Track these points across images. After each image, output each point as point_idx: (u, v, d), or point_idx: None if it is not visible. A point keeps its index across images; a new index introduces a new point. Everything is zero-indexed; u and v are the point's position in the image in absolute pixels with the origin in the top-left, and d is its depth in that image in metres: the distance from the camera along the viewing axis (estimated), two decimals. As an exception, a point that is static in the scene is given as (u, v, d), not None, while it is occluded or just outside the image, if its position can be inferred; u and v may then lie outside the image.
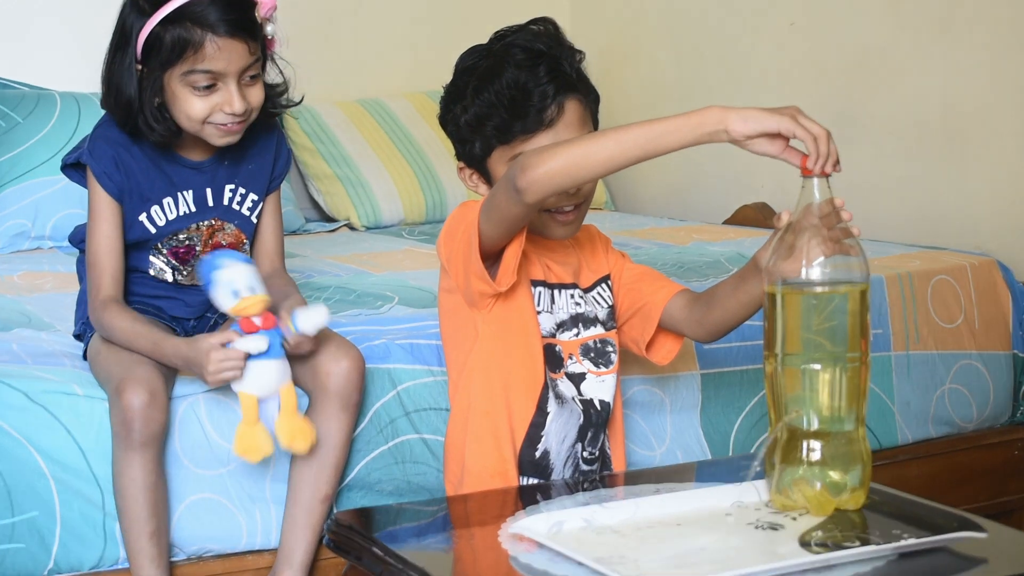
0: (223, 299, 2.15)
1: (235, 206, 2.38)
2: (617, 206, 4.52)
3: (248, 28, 2.23)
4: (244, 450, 2.16)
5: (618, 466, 2.24)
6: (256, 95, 2.28)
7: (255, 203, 2.40)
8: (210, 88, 2.23)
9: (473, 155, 2.14)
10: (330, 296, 2.80)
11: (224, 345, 2.12)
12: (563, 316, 2.16)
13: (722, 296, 2.09)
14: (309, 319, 2.15)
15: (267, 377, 2.15)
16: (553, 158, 1.86)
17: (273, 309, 2.18)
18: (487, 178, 2.14)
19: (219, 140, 2.29)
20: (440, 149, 4.11)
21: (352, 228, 4.05)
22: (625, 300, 2.23)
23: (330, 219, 4.12)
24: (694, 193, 4.29)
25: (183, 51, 2.20)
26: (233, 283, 2.15)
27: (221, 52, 2.20)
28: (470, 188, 2.19)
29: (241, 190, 2.38)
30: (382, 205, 4.05)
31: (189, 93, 2.23)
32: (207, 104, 2.24)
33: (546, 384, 2.12)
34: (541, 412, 2.12)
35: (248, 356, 2.13)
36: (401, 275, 3.04)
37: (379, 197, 4.05)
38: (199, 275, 2.21)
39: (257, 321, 2.14)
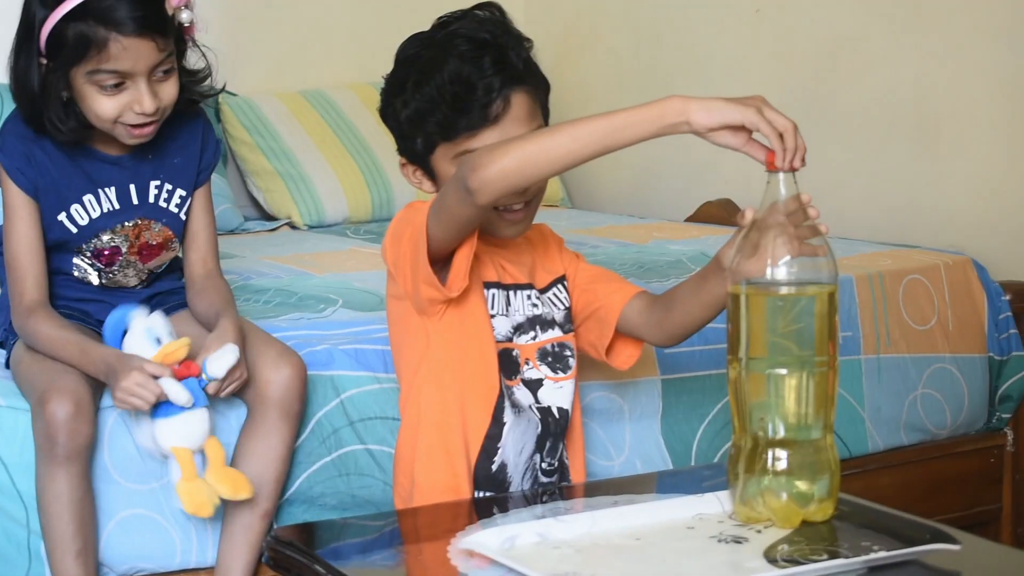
0: (143, 346, 2.16)
1: (162, 203, 2.37)
2: (573, 203, 4.52)
3: (156, 25, 2.20)
4: (197, 508, 2.16)
5: (577, 477, 2.23)
6: (169, 91, 2.26)
7: (183, 199, 2.39)
8: (118, 87, 2.21)
9: (415, 151, 2.13)
10: (269, 299, 2.79)
11: (157, 376, 2.12)
12: (520, 318, 2.16)
13: (682, 297, 2.09)
14: (217, 362, 2.16)
15: (199, 427, 2.17)
16: (505, 156, 1.85)
17: (195, 353, 2.20)
18: (431, 175, 2.14)
19: (131, 140, 2.27)
20: (387, 143, 4.05)
21: (293, 227, 4.03)
22: (580, 302, 2.22)
23: (270, 217, 4.10)
24: (654, 189, 4.29)
25: (86, 50, 2.17)
26: (154, 330, 2.18)
27: (127, 52, 2.18)
28: (414, 184, 2.18)
29: (168, 186, 2.37)
30: (325, 203, 4.04)
31: (96, 92, 2.21)
32: (116, 103, 2.22)
33: (501, 392, 2.12)
34: (497, 423, 2.12)
35: (165, 403, 2.13)
36: (345, 276, 3.03)
37: (322, 194, 4.04)
38: (105, 335, 2.22)
39: (187, 366, 2.17)
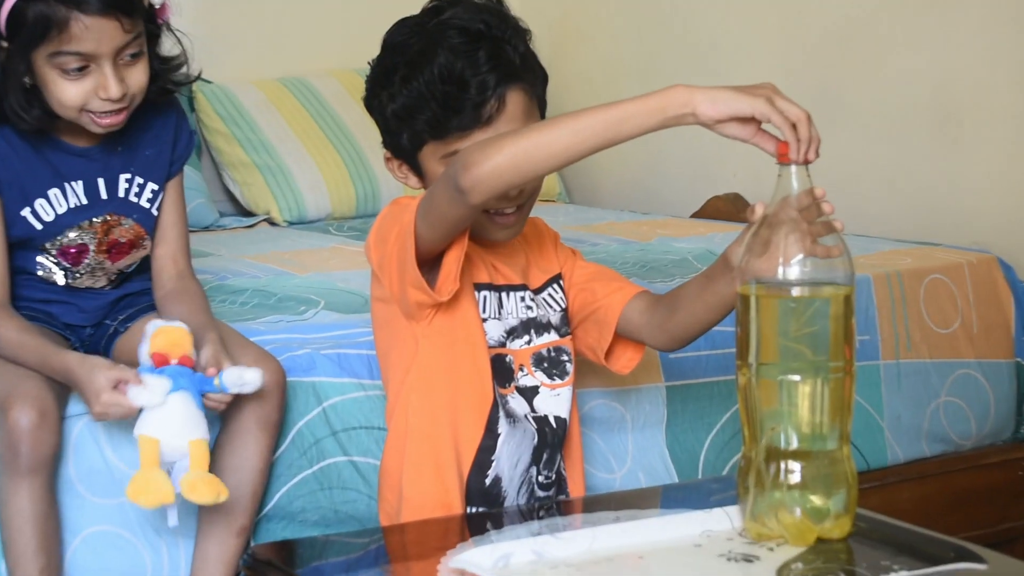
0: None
1: (132, 198, 2.36)
2: (572, 198, 4.52)
3: (122, 4, 2.19)
4: (136, 492, 2.09)
5: (576, 491, 2.23)
6: (137, 76, 2.25)
7: (155, 193, 2.38)
8: (82, 71, 2.20)
9: (401, 147, 2.13)
10: (247, 300, 2.78)
11: (123, 383, 2.10)
12: (513, 322, 2.15)
13: (687, 298, 2.09)
14: (235, 382, 2.14)
15: (172, 422, 2.11)
16: (499, 152, 1.84)
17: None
18: (418, 171, 2.13)
19: (98, 129, 2.26)
20: (372, 135, 4.01)
21: (272, 223, 4.03)
22: (577, 302, 2.22)
23: (247, 213, 4.10)
24: (658, 183, 4.29)
25: (46, 30, 2.17)
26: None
27: (90, 32, 2.17)
28: (399, 179, 2.18)
29: (138, 179, 2.36)
30: (307, 197, 4.03)
31: (59, 76, 2.21)
32: (80, 89, 2.21)
33: (495, 402, 2.11)
34: (491, 434, 2.11)
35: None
36: (328, 276, 3.03)
37: (303, 188, 4.04)
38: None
39: (173, 362, 2.13)
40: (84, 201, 2.33)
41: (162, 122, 2.39)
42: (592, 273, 2.24)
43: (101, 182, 2.34)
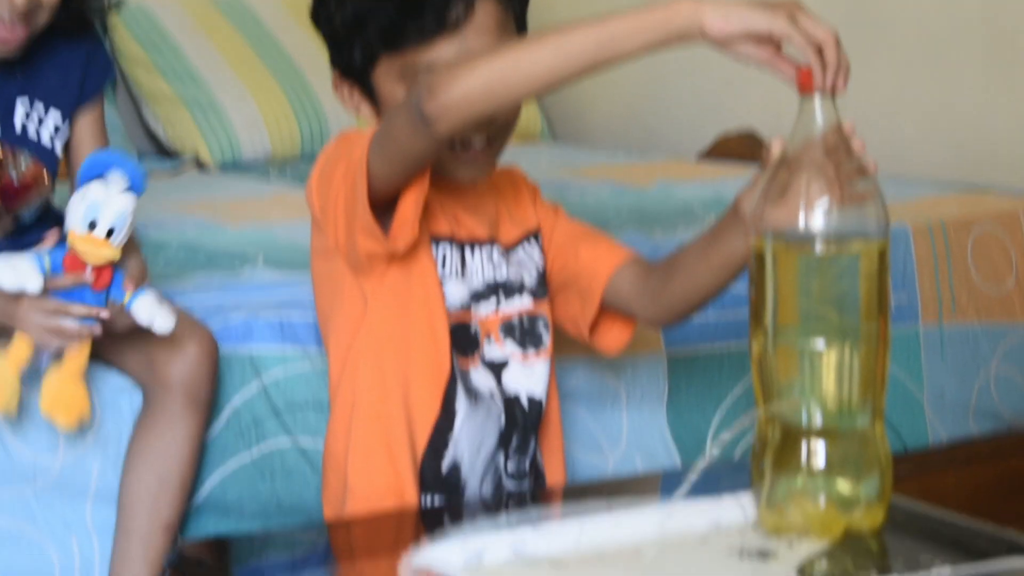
0: (74, 216, 2.14)
1: (31, 132, 2.35)
2: (555, 135, 4.52)
3: None
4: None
5: (554, 481, 2.24)
6: None
7: (58, 128, 2.37)
8: None
9: (352, 65, 2.13)
10: (171, 257, 2.78)
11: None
12: (478, 283, 2.15)
13: (689, 259, 2.09)
14: (146, 309, 2.16)
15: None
16: (472, 74, 1.85)
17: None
18: (371, 95, 2.14)
19: None
20: (320, 62, 4.06)
21: (201, 166, 4.03)
22: (556, 265, 2.22)
23: (171, 154, 4.10)
24: (659, 117, 4.29)
25: None
26: (100, 210, 2.14)
27: None
28: (349, 109, 2.18)
29: (39, 105, 2.35)
30: (241, 136, 4.03)
31: None
32: None
33: (453, 375, 2.12)
34: (447, 412, 2.12)
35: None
36: (267, 228, 3.03)
37: (237, 125, 4.04)
38: (81, 168, 2.18)
39: (88, 273, 2.14)
40: (-30, 129, 2.32)
41: (71, 46, 2.37)
42: (576, 233, 2.24)
43: (-8, 107, 2.33)
